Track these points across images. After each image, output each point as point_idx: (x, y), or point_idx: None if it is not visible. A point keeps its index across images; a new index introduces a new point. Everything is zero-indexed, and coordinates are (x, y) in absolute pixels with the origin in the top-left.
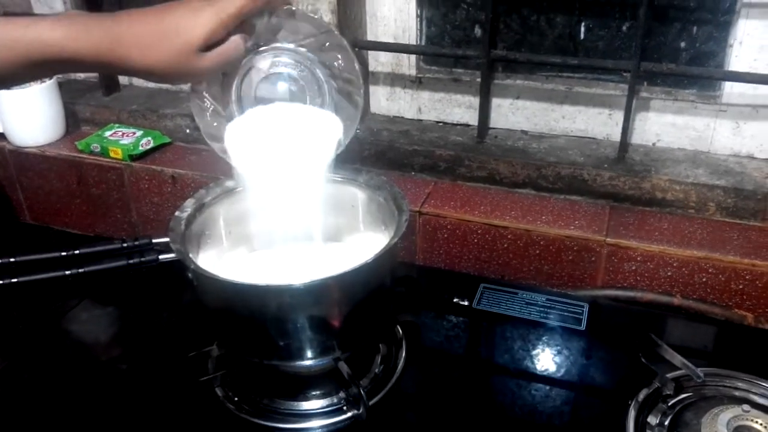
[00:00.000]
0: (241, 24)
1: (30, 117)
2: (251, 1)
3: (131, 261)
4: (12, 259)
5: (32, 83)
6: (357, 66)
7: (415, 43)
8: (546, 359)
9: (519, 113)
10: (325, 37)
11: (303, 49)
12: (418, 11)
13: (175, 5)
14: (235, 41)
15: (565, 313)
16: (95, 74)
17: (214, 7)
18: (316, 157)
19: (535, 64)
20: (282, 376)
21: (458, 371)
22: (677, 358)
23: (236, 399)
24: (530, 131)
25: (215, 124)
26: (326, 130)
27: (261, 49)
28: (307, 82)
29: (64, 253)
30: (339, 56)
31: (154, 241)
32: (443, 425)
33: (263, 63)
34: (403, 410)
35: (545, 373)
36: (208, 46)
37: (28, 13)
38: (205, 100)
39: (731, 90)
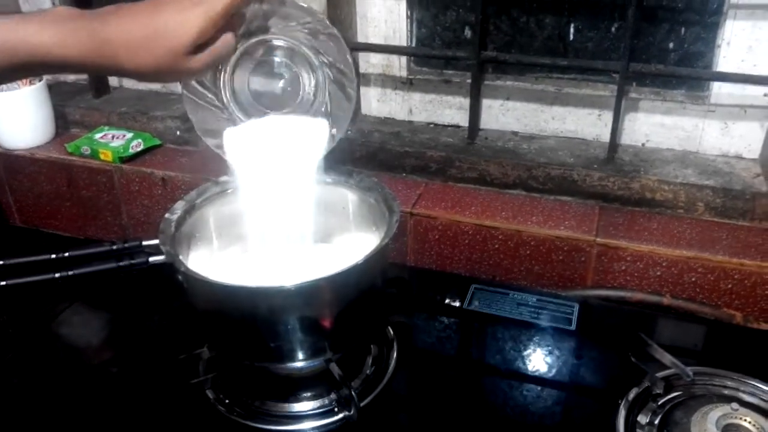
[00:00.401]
0: (231, 17)
1: (19, 119)
2: None
3: (121, 263)
4: (1, 262)
5: (21, 85)
6: (349, 57)
7: (405, 44)
8: (537, 359)
9: (509, 114)
10: (316, 26)
11: (297, 34)
12: (409, 13)
13: (163, 4)
14: (225, 39)
15: (556, 314)
16: (85, 76)
17: (203, 6)
18: (305, 157)
19: (525, 66)
20: (273, 377)
21: (450, 372)
22: (667, 358)
23: (227, 401)
24: (520, 132)
25: (209, 118)
26: (315, 133)
27: (252, 34)
28: (300, 68)
29: (53, 256)
30: (332, 45)
31: (144, 243)
32: (434, 426)
33: (255, 49)
34: (394, 411)
35: (536, 373)
36: (199, 45)
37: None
38: (198, 92)
39: (719, 90)
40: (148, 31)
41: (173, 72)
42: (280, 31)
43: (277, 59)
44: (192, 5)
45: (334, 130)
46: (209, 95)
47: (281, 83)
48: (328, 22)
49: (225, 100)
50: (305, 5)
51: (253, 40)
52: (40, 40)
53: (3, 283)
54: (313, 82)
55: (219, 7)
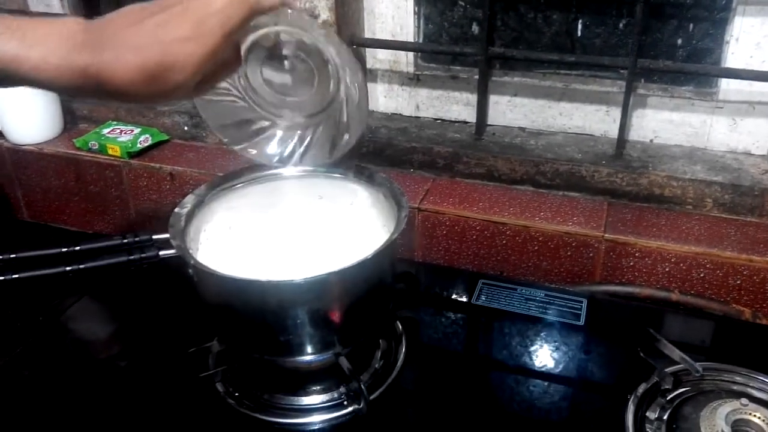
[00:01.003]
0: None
1: (28, 114)
2: (236, 18)
3: (132, 257)
4: (12, 255)
5: None
6: (360, 75)
7: (412, 40)
8: (545, 354)
9: (516, 110)
10: (325, 34)
11: (307, 32)
12: (416, 9)
13: (160, 37)
14: (227, 62)
15: (564, 309)
16: None
17: (200, 41)
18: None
19: (532, 62)
20: (282, 371)
21: (457, 367)
22: (676, 353)
23: (237, 394)
24: (528, 128)
25: (223, 112)
26: None
27: (261, 26)
28: (312, 61)
29: (64, 249)
30: (345, 57)
31: (154, 237)
32: (442, 420)
33: (265, 39)
34: (403, 405)
35: (544, 369)
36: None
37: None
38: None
39: (728, 86)
40: (145, 75)
41: (172, 100)
42: (290, 25)
43: (287, 51)
44: (189, 38)
45: (346, 136)
46: (222, 88)
47: (294, 73)
48: (338, 40)
49: (240, 90)
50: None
51: (262, 31)
52: (37, 72)
53: (14, 276)
54: (326, 75)
55: (215, 39)
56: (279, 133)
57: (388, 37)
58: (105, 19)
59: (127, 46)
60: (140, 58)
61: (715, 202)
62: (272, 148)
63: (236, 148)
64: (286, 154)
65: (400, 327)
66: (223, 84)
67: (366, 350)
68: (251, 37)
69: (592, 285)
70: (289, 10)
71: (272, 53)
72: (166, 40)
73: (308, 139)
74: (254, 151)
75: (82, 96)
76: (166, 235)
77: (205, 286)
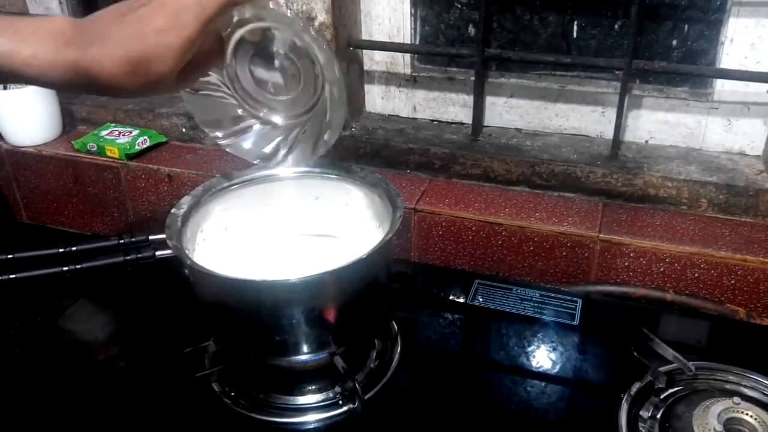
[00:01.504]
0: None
1: (26, 116)
2: (210, 9)
3: (128, 257)
4: (10, 256)
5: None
6: (337, 68)
7: (409, 41)
8: (540, 354)
9: (513, 111)
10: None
11: (292, 29)
12: (412, 10)
13: (143, 30)
14: (209, 51)
15: (559, 309)
16: None
17: (178, 30)
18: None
19: (528, 63)
20: (278, 371)
21: (453, 367)
22: (669, 352)
23: (233, 394)
24: (524, 129)
25: (210, 107)
26: None
27: (247, 22)
28: (299, 59)
29: (61, 250)
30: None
31: (151, 237)
32: (438, 420)
33: (253, 35)
34: (398, 405)
35: (539, 368)
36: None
37: (22, 12)
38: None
39: (722, 87)
40: (129, 68)
41: (160, 93)
42: (275, 21)
43: (274, 47)
44: (167, 29)
45: (327, 134)
46: (211, 83)
47: (281, 71)
48: (313, 33)
49: (229, 87)
50: (290, 15)
51: (248, 27)
52: (29, 68)
53: (11, 276)
54: (311, 74)
55: (192, 29)
56: (265, 131)
57: (385, 39)
58: (92, 16)
59: (111, 41)
60: (123, 51)
61: (709, 202)
62: (256, 145)
63: (221, 142)
64: (269, 151)
65: (396, 327)
66: (213, 80)
67: (361, 350)
68: (238, 34)
69: (587, 285)
70: (270, 4)
71: (261, 50)
72: (146, 32)
73: (293, 138)
74: (238, 146)
75: (75, 91)
76: (163, 236)
77: (201, 286)
